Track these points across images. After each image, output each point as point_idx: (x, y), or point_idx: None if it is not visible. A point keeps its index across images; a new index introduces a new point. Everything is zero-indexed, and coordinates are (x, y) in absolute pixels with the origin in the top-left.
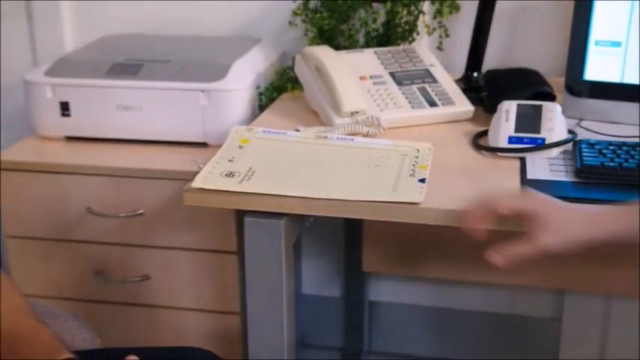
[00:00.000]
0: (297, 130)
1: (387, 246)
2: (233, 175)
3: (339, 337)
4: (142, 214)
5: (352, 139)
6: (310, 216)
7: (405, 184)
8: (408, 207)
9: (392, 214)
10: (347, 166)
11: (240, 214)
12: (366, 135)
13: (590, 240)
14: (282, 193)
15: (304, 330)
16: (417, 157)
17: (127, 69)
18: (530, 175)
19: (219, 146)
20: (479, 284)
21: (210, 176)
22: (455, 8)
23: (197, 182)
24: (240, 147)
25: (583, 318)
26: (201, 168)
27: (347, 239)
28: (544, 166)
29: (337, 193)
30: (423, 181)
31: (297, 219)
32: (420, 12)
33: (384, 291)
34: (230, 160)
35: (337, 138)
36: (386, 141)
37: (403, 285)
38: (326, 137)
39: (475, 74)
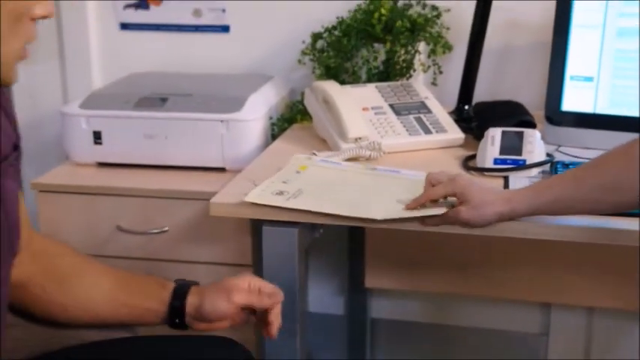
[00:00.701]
0: (314, 154)
1: (388, 262)
2: (282, 194)
3: (342, 354)
4: (166, 231)
5: (399, 171)
6: (321, 226)
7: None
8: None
9: None
10: (393, 192)
11: (256, 230)
12: (369, 158)
13: (502, 216)
14: (321, 211)
15: (309, 347)
16: None
17: (153, 102)
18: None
19: (236, 171)
20: (477, 300)
21: (263, 193)
22: (447, 48)
23: (250, 197)
24: (298, 172)
25: (570, 333)
26: (256, 185)
27: (350, 258)
28: (524, 183)
29: (378, 213)
30: None
31: (309, 229)
32: (416, 51)
33: (386, 308)
34: (284, 182)
35: (385, 170)
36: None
37: (403, 302)
38: (375, 169)
39: (466, 107)
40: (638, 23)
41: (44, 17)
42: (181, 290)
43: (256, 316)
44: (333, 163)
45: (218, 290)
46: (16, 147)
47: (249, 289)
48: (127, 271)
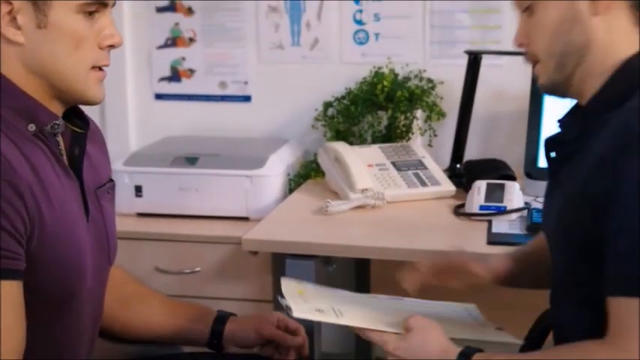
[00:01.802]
0: (328, 202)
1: None
2: (323, 311)
3: None
4: (198, 271)
5: (402, 299)
6: (334, 262)
7: (486, 330)
8: None
9: None
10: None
11: (278, 264)
12: (374, 206)
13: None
14: (378, 329)
15: None
16: (471, 314)
17: (186, 161)
18: (494, 230)
19: (258, 220)
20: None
21: (302, 308)
22: (441, 115)
23: (297, 313)
24: (300, 295)
25: None
26: (285, 301)
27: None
28: (505, 225)
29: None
30: (500, 329)
31: (324, 263)
32: (414, 118)
33: None
34: (305, 302)
35: (387, 298)
36: (435, 302)
37: None
38: (376, 297)
39: (458, 165)
40: None
41: (112, 47)
42: (222, 318)
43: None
44: (326, 288)
45: (251, 322)
46: (111, 179)
47: (277, 325)
48: (178, 299)
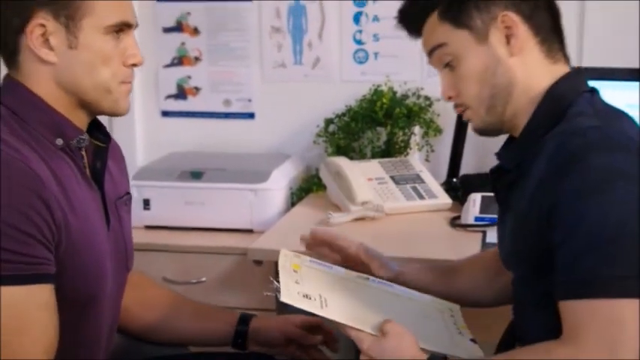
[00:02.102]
0: (330, 214)
1: None
2: (310, 298)
3: None
4: (204, 281)
5: (391, 285)
6: None
7: (459, 342)
8: None
9: None
10: (405, 314)
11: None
12: (373, 218)
13: None
14: (357, 327)
15: None
16: (453, 317)
17: (192, 175)
18: (488, 240)
19: (261, 232)
20: None
21: (291, 293)
22: (438, 131)
23: (284, 297)
24: (295, 271)
25: None
26: (277, 284)
27: None
28: None
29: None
30: (474, 341)
31: None
32: (412, 134)
33: None
34: (297, 282)
35: (378, 282)
36: (422, 295)
37: None
38: (367, 279)
39: (454, 179)
40: None
41: (135, 65)
42: (245, 318)
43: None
44: (322, 265)
45: (275, 321)
46: (128, 192)
47: (301, 325)
48: (201, 302)
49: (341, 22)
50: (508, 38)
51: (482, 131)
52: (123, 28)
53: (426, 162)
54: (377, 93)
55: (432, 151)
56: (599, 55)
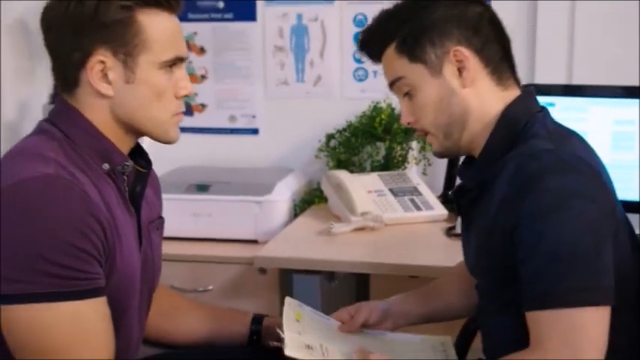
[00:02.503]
0: (332, 224)
1: None
2: (312, 348)
3: None
4: (211, 289)
5: (384, 333)
6: (336, 278)
7: None
8: None
9: None
10: (401, 357)
11: (286, 279)
12: (372, 228)
13: None
14: None
15: None
16: (445, 351)
17: (200, 188)
18: None
19: (265, 242)
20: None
21: (294, 345)
22: None
23: (288, 351)
24: (297, 321)
25: None
26: (282, 335)
27: None
28: None
29: None
30: None
31: (328, 278)
32: (410, 148)
33: None
34: (299, 333)
35: (373, 334)
36: (414, 336)
37: None
38: (362, 331)
39: (450, 192)
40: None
41: (186, 96)
42: (258, 318)
43: None
44: (320, 316)
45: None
46: (161, 216)
47: None
48: (215, 305)
49: (341, 41)
50: (460, 71)
51: (441, 154)
52: (176, 62)
53: (423, 175)
54: (376, 109)
55: (429, 164)
56: (588, 73)
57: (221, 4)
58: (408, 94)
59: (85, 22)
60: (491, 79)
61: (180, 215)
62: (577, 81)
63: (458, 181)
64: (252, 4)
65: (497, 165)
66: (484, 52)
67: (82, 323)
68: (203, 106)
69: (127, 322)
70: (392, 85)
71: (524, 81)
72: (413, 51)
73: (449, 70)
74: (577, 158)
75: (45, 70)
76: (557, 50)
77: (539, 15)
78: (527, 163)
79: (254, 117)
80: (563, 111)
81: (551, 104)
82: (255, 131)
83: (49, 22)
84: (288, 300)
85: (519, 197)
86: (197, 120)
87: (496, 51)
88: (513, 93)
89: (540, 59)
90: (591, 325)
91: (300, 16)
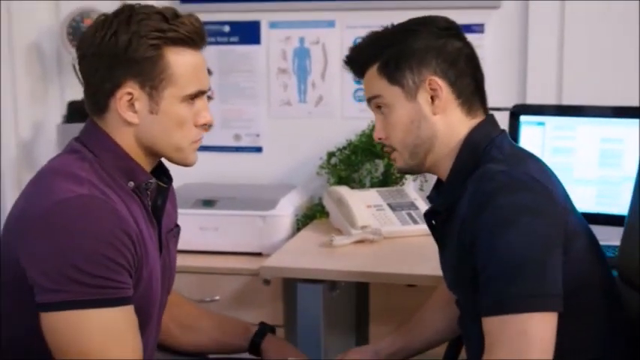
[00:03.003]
0: (333, 237)
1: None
2: None
3: None
4: (217, 299)
5: None
6: (337, 287)
7: None
8: None
9: None
10: None
11: (290, 289)
12: (372, 241)
13: None
14: None
15: None
16: None
17: (207, 203)
18: None
19: (269, 255)
20: None
21: None
22: None
23: None
24: None
25: None
26: None
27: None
28: None
29: None
30: None
31: (329, 287)
32: None
33: None
34: None
35: None
36: None
37: None
38: None
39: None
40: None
41: (205, 125)
42: (262, 332)
43: None
44: None
45: (284, 346)
46: (177, 225)
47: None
48: (222, 315)
49: (342, 63)
50: (433, 99)
51: (404, 171)
52: (198, 94)
53: (419, 191)
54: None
55: (426, 181)
56: (577, 94)
57: (227, 28)
58: (382, 112)
59: (117, 56)
60: (461, 110)
61: (188, 229)
62: (566, 101)
63: (426, 205)
64: (257, 28)
65: (461, 188)
66: (457, 84)
67: (113, 328)
68: (209, 125)
69: (149, 328)
70: (369, 100)
71: (516, 101)
72: (393, 74)
73: (423, 97)
74: (529, 177)
75: (57, 92)
76: (548, 72)
77: (529, 39)
78: (483, 184)
79: (258, 136)
80: (554, 130)
81: (542, 123)
82: (259, 149)
83: (85, 50)
84: None
85: (476, 215)
86: (204, 138)
87: (468, 84)
88: (478, 120)
89: (531, 81)
90: (538, 330)
91: (302, 40)
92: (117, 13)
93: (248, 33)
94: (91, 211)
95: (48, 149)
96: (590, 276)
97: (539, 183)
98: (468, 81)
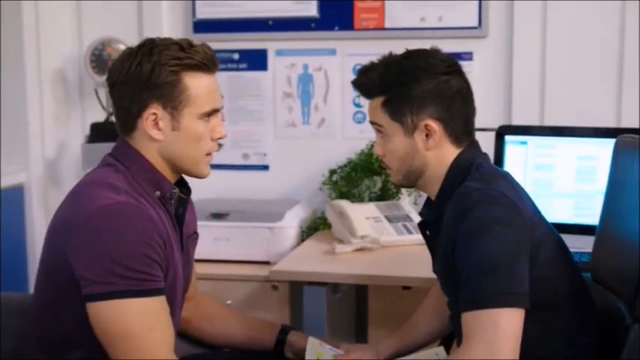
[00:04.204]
0: (335, 246)
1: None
2: None
3: None
4: (230, 304)
5: None
6: (339, 290)
7: None
8: None
9: None
10: None
11: (296, 290)
12: (371, 249)
13: None
14: None
15: None
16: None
17: (219, 216)
18: None
19: (276, 263)
20: None
21: None
22: None
23: None
24: (318, 357)
25: None
26: None
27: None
28: None
29: None
30: None
31: (332, 290)
32: None
33: None
34: None
35: None
36: (409, 356)
37: None
38: None
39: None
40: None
41: (220, 139)
42: (285, 330)
43: None
44: (335, 351)
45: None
46: (196, 232)
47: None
48: (248, 315)
49: (343, 88)
50: (427, 137)
51: (398, 186)
52: (213, 112)
53: (414, 205)
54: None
55: (419, 195)
56: (557, 115)
57: (236, 56)
58: (382, 137)
59: (143, 83)
60: (451, 144)
61: (202, 240)
62: (548, 122)
63: (418, 218)
64: (264, 56)
65: (447, 203)
66: (450, 125)
67: (151, 315)
68: (220, 145)
69: (175, 316)
70: (372, 123)
71: (502, 122)
72: (394, 112)
73: (419, 135)
74: (500, 194)
75: (79, 114)
76: (531, 96)
77: (514, 66)
78: (461, 199)
79: (265, 155)
80: (536, 148)
81: (525, 142)
82: (266, 167)
83: (114, 79)
84: (311, 339)
85: (456, 225)
86: (214, 157)
87: (460, 124)
88: (464, 146)
89: (516, 103)
90: (507, 323)
91: (306, 66)
92: (140, 46)
93: (256, 60)
94: (129, 216)
95: (70, 167)
96: (558, 278)
97: (509, 199)
98: (460, 122)
